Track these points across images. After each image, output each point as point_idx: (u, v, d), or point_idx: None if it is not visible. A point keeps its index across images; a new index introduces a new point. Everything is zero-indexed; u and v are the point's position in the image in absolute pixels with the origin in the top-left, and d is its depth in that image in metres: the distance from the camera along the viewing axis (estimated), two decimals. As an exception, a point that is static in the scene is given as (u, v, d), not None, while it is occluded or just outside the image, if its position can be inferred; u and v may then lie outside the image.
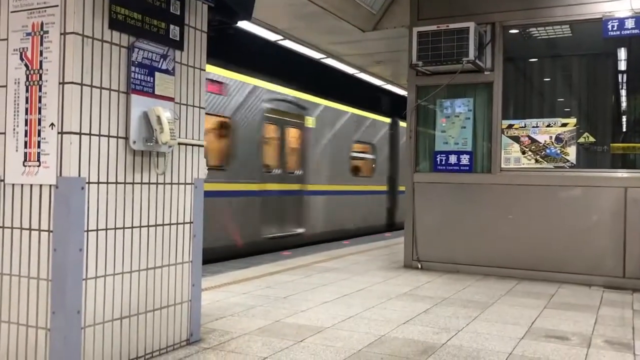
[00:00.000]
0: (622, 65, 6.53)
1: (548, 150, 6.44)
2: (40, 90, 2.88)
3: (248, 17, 4.19)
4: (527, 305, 5.01)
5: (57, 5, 2.85)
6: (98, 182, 2.95)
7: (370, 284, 5.87)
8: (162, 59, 3.31)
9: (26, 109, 2.92)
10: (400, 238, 7.75)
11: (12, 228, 2.96)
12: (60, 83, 2.83)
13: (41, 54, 2.88)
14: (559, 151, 6.40)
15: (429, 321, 4.35)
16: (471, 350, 3.64)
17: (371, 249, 9.06)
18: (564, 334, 4.08)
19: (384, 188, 15.07)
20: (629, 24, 5.90)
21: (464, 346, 3.72)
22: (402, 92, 13.10)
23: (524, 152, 6.54)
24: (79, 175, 2.85)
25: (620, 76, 6.56)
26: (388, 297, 5.19)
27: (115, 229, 3.05)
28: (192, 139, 3.60)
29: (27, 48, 2.93)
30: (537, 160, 6.50)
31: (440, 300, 5.13)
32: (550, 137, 6.43)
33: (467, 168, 6.74)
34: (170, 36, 3.37)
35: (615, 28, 5.96)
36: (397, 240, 9.68)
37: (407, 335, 3.96)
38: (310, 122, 11.58)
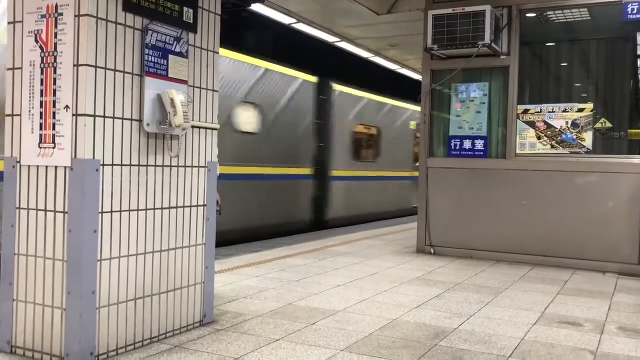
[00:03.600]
0: (642, 50, 6.42)
1: (564, 136, 6.37)
2: (55, 72, 2.89)
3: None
4: (541, 291, 4.99)
5: (71, -13, 2.85)
6: (112, 165, 2.97)
7: (383, 268, 5.87)
8: (175, 42, 3.30)
9: (41, 91, 2.94)
10: (414, 223, 7.73)
11: (28, 209, 3.00)
12: (74, 65, 2.84)
13: (56, 36, 2.89)
14: (575, 137, 6.32)
15: (441, 306, 4.35)
16: (483, 335, 3.64)
17: (384, 233, 9.07)
18: (577, 320, 4.06)
19: None
20: (650, 7, 5.79)
21: (476, 331, 3.72)
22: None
23: (539, 138, 6.47)
24: (94, 158, 2.87)
25: (639, 61, 6.45)
26: (400, 282, 5.19)
27: (130, 211, 3.08)
28: (206, 122, 3.60)
29: (42, 30, 2.94)
30: (552, 146, 6.43)
31: (453, 285, 5.13)
32: (567, 123, 6.36)
33: (482, 153, 6.69)
34: (184, 19, 3.37)
35: (635, 11, 5.84)
36: (410, 226, 9.67)
37: (419, 319, 3.96)
38: None
